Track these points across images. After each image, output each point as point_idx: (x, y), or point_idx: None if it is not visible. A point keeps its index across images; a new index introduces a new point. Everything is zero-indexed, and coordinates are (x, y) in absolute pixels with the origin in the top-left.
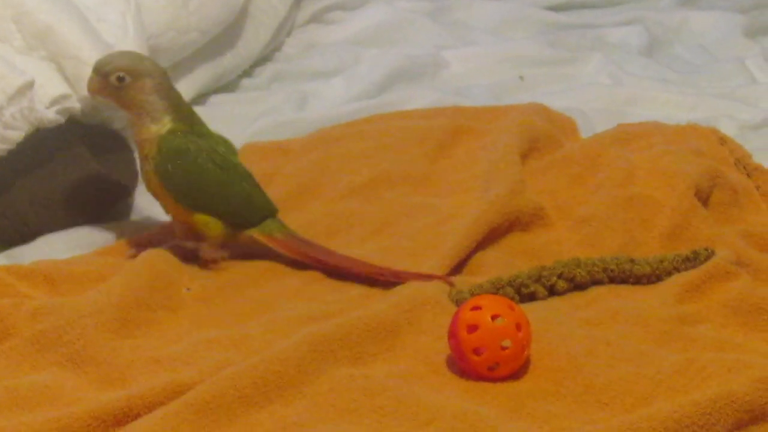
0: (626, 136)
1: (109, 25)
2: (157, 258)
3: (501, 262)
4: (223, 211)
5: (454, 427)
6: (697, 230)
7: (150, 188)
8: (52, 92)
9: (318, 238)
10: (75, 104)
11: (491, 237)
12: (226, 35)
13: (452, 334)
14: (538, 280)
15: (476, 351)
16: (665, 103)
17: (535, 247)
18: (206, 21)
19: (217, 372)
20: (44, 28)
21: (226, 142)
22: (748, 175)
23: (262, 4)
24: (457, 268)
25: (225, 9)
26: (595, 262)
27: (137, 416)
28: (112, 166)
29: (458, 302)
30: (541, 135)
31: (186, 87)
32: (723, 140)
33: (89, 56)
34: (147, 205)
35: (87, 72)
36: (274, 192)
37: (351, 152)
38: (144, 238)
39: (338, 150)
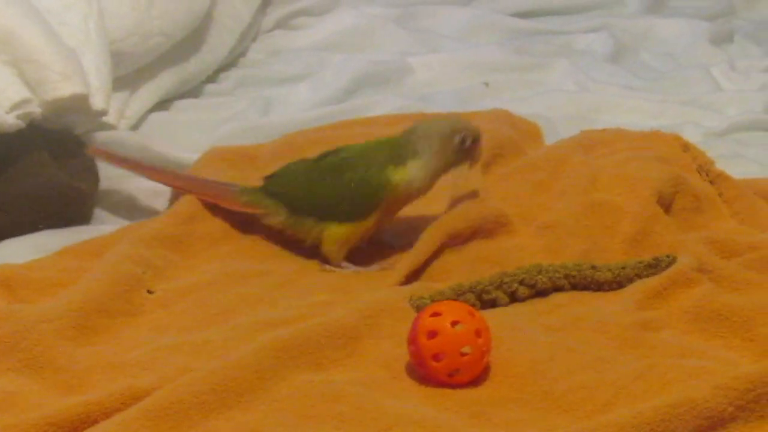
0: (590, 142)
1: (70, 29)
2: (118, 262)
3: (464, 268)
4: None
5: None
6: (659, 237)
7: None
8: (13, 97)
9: (282, 244)
10: (35, 109)
11: (454, 243)
12: (191, 40)
13: (412, 341)
14: (499, 286)
15: (436, 357)
16: (631, 109)
17: (498, 254)
18: (170, 25)
19: (177, 378)
20: (5, 32)
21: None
22: (711, 182)
23: (227, 9)
24: (417, 274)
25: (189, 14)
26: (556, 269)
27: (95, 422)
28: (74, 171)
29: (418, 308)
30: (505, 141)
31: (150, 92)
32: (686, 147)
33: (50, 60)
34: (108, 210)
35: (48, 76)
36: None
37: None
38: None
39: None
